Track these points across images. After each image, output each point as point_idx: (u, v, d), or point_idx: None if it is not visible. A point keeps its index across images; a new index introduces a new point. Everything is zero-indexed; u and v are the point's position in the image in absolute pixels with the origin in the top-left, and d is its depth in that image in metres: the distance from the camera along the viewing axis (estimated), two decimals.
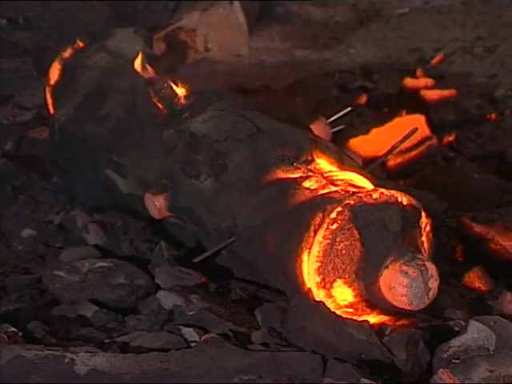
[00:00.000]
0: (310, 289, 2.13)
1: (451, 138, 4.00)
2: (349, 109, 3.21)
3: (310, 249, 2.12)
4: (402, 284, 2.04)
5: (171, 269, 2.48)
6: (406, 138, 2.75)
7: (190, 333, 2.22)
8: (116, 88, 2.98)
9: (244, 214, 2.36)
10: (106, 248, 2.74)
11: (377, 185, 2.31)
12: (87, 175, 2.98)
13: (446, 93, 4.47)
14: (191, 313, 2.29)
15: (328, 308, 2.08)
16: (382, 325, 2.12)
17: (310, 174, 2.36)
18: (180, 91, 2.80)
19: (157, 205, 2.59)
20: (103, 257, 2.63)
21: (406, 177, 3.52)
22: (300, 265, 2.14)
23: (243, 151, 2.48)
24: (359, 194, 2.15)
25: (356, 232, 2.11)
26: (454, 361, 1.98)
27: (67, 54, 3.27)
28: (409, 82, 4.59)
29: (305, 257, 2.13)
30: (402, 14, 6.20)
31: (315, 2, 6.25)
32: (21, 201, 3.15)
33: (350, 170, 2.40)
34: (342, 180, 2.32)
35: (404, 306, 2.06)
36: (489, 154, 3.90)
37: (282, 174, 2.38)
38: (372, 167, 2.68)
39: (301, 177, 2.35)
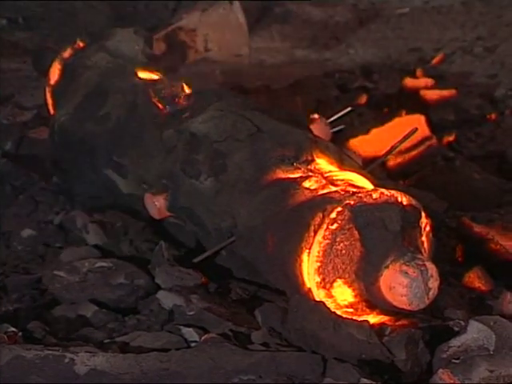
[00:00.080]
0: (310, 289, 2.13)
1: (451, 138, 4.00)
2: (349, 109, 3.22)
3: (309, 249, 2.12)
4: (402, 284, 2.04)
5: (171, 269, 2.48)
6: (405, 138, 2.75)
7: (190, 333, 2.22)
8: (116, 88, 2.98)
9: (244, 214, 2.36)
10: (105, 248, 2.74)
11: (377, 185, 2.31)
12: (87, 175, 2.98)
13: (445, 93, 4.47)
14: (191, 313, 2.29)
15: (328, 308, 2.08)
16: (382, 325, 2.12)
17: (310, 173, 2.36)
18: (180, 91, 2.80)
19: (157, 205, 2.59)
20: (103, 257, 2.63)
21: (405, 177, 3.52)
22: (300, 265, 2.14)
23: (243, 151, 2.48)
24: (359, 194, 2.14)
25: (356, 232, 2.11)
26: (453, 361, 1.98)
27: (67, 54, 3.27)
28: (409, 81, 4.60)
29: (305, 257, 2.13)
30: (402, 14, 6.21)
31: (315, 1, 6.26)
32: (21, 201, 3.15)
33: (350, 170, 2.40)
34: (342, 180, 2.32)
35: (404, 306, 2.06)
36: (489, 154, 3.91)
37: (281, 174, 2.38)
38: (372, 167, 2.68)
39: (301, 177, 2.35)
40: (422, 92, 4.44)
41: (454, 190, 3.34)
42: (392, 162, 3.60)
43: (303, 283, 2.15)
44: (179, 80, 2.88)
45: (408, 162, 3.63)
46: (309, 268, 2.12)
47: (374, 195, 2.14)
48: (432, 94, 4.43)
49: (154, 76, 3.05)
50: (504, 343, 2.01)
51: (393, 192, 2.16)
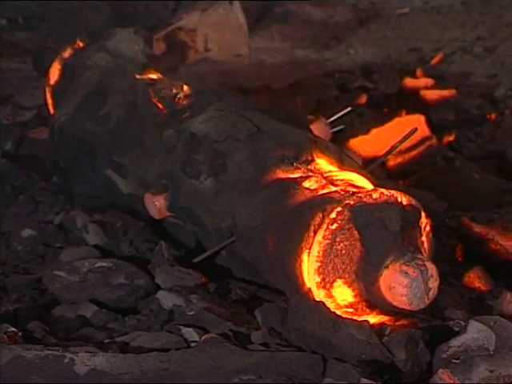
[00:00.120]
0: (309, 289, 2.13)
1: (451, 138, 4.00)
2: (349, 109, 3.22)
3: (309, 249, 2.12)
4: (402, 284, 2.04)
5: (171, 269, 2.48)
6: (405, 138, 2.75)
7: (190, 333, 2.22)
8: (116, 88, 2.98)
9: (244, 214, 2.36)
10: (105, 248, 2.74)
11: (377, 185, 2.31)
12: (87, 175, 2.98)
13: (445, 93, 4.47)
14: (191, 313, 2.29)
15: (328, 308, 2.08)
16: (381, 325, 2.12)
17: (310, 173, 2.36)
18: (180, 91, 2.80)
19: (157, 205, 2.59)
20: (103, 257, 2.63)
21: (405, 177, 3.52)
22: (300, 265, 2.14)
23: (243, 151, 2.48)
24: (359, 194, 2.14)
25: (356, 232, 2.11)
26: (453, 361, 1.98)
27: (67, 53, 3.27)
28: (409, 81, 4.59)
29: (305, 257, 2.13)
30: (402, 14, 6.21)
31: (315, 1, 6.25)
32: (21, 201, 3.15)
33: (349, 170, 2.40)
34: (342, 180, 2.32)
35: (404, 306, 2.06)
36: (489, 154, 3.90)
37: (281, 174, 2.38)
38: (372, 167, 2.68)
39: (301, 177, 2.35)
40: (422, 92, 4.43)
41: (453, 190, 3.34)
42: (392, 161, 3.59)
43: (303, 283, 2.15)
44: (179, 80, 2.88)
45: (408, 161, 3.63)
46: (309, 268, 2.12)
47: (374, 195, 2.14)
48: (432, 94, 4.43)
49: (154, 76, 3.05)
50: (504, 343, 2.01)
51: (393, 192, 2.16)
